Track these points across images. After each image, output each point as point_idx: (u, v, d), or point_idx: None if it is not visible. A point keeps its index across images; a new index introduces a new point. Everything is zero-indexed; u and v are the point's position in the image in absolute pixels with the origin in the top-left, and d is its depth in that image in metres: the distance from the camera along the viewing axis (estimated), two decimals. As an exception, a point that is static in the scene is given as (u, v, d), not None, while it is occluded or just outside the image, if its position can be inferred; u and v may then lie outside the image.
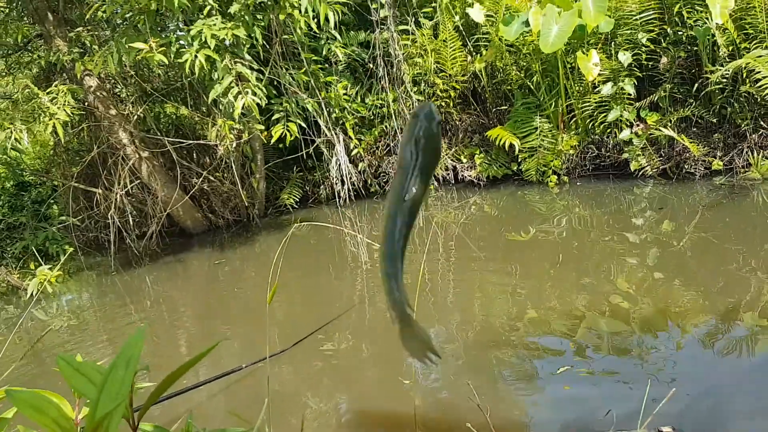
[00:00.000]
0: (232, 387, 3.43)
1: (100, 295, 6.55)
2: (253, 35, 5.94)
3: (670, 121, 6.15)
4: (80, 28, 6.47)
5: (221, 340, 4.08)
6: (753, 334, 3.03)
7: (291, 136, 6.62)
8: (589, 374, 2.89)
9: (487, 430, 2.29)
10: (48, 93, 6.14)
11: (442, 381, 3.22)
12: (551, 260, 4.85)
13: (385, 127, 7.85)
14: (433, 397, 3.10)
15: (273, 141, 6.78)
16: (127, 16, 5.92)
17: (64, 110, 6.09)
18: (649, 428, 2.31)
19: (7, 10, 7.07)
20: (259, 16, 6.07)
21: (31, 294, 6.15)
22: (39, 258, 6.65)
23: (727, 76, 5.80)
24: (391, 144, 7.92)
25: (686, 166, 6.17)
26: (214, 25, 5.67)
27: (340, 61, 7.70)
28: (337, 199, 7.93)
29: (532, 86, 6.89)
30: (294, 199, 8.13)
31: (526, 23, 6.19)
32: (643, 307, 3.61)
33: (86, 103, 6.72)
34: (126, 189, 7.04)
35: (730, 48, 5.85)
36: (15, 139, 6.33)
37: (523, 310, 3.84)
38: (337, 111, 7.57)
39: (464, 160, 7.62)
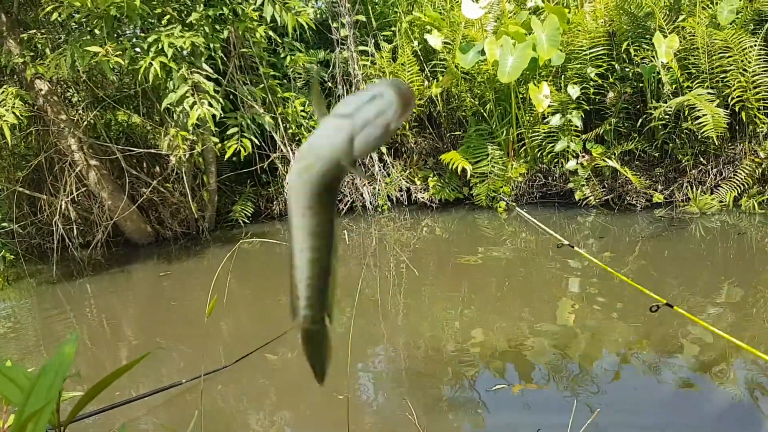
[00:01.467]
0: (172, 401, 3.37)
1: (38, 304, 6.33)
2: (211, 45, 5.93)
3: (615, 153, 6.39)
4: (33, 31, 6.33)
5: (153, 349, 4.01)
6: (681, 366, 3.17)
7: (245, 151, 6.60)
8: (524, 395, 2.98)
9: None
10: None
11: (382, 399, 3.24)
12: (497, 284, 4.96)
13: (342, 145, 7.89)
14: (372, 415, 3.11)
15: (227, 156, 6.74)
16: (83, 20, 5.82)
17: (12, 112, 5.92)
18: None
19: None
20: (218, 27, 6.07)
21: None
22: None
23: (669, 112, 6.08)
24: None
25: (628, 198, 6.42)
26: (172, 34, 5.64)
27: (300, 76, 7.75)
28: (290, 216, 7.89)
29: (485, 114, 7.08)
30: (246, 214, 8.06)
31: (482, 52, 6.38)
32: (580, 333, 3.73)
33: (35, 107, 6.55)
34: (72, 196, 6.86)
35: (674, 86, 6.14)
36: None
37: (468, 331, 3.91)
38: (293, 127, 7.58)
39: (418, 183, 7.73)
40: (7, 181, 7.36)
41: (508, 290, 4.78)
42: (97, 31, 5.67)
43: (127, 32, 6.74)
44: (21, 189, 6.99)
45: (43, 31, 6.43)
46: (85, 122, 6.87)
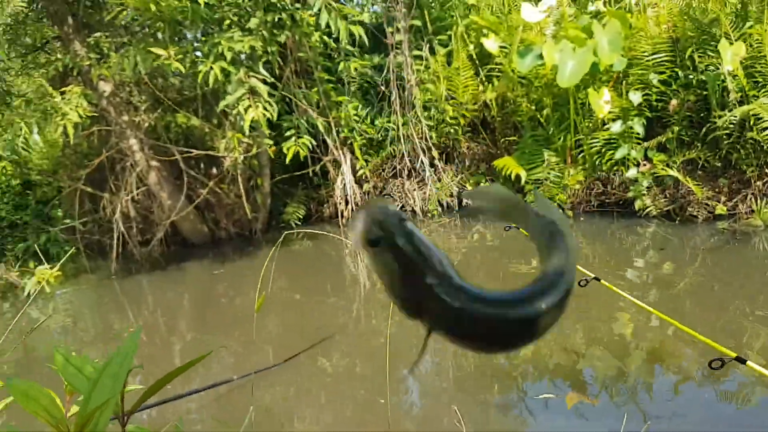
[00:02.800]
0: (222, 398, 3.41)
1: (97, 298, 6.55)
2: (269, 49, 6.02)
3: (677, 162, 6.16)
4: (99, 33, 6.55)
5: (211, 351, 4.06)
6: (742, 383, 3.00)
7: (303, 152, 6.65)
8: (575, 406, 2.88)
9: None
10: (61, 94, 6.21)
11: (428, 406, 3.19)
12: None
13: (393, 149, 7.90)
14: (418, 420, 3.07)
15: (288, 159, 6.81)
16: (147, 23, 6.00)
17: (76, 111, 6.14)
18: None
19: (27, 11, 7.17)
20: (276, 32, 6.16)
21: (28, 293, 6.16)
22: (40, 258, 6.65)
23: (734, 121, 5.83)
24: (398, 166, 7.95)
25: (690, 209, 6.16)
26: (232, 38, 5.74)
27: (354, 81, 7.78)
28: (340, 219, 7.94)
29: (541, 119, 6.93)
30: (298, 216, 8.14)
31: (540, 57, 6.25)
32: (637, 346, 3.59)
33: (99, 108, 6.78)
34: (132, 195, 7.07)
35: (739, 94, 5.88)
36: (24, 137, 6.40)
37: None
38: (346, 131, 7.62)
39: (470, 188, 7.64)
40: (69, 179, 7.64)
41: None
42: (159, 35, 5.84)
43: (188, 35, 6.91)
44: (83, 187, 7.24)
45: (107, 33, 6.65)
46: (146, 124, 7.07)
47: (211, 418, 3.26)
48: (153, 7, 5.52)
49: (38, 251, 6.93)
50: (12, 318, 5.84)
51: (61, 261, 5.18)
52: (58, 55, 6.65)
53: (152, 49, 5.60)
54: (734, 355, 2.05)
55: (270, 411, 3.27)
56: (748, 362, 2.02)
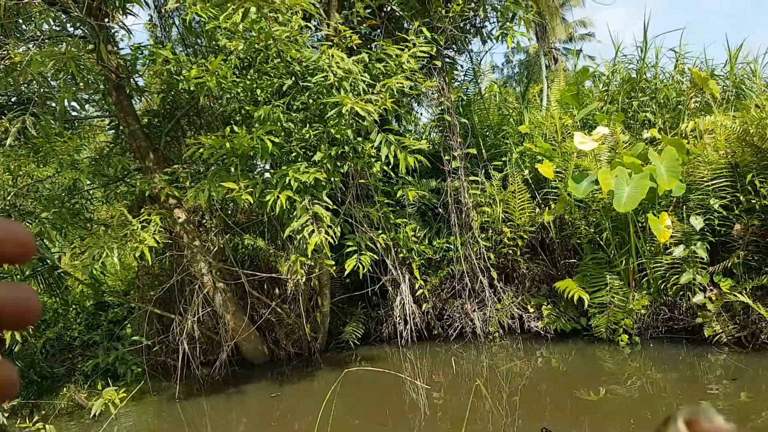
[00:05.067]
0: None
1: (160, 421, 6.61)
2: (332, 179, 6.36)
3: (746, 288, 5.97)
4: (177, 166, 7.08)
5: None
6: None
7: (363, 268, 6.78)
8: None
9: None
10: (139, 220, 6.65)
11: None
12: (623, 425, 4.62)
13: (451, 270, 7.96)
14: None
15: (346, 273, 6.95)
16: (221, 159, 6.47)
17: (153, 237, 6.53)
18: None
19: (111, 147, 7.85)
20: (339, 163, 6.52)
21: (94, 414, 6.29)
22: (107, 377, 6.84)
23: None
24: (457, 287, 7.97)
25: (762, 336, 5.89)
26: (299, 170, 6.11)
27: (412, 204, 8.03)
28: (399, 339, 7.91)
29: (601, 242, 6.92)
30: (356, 335, 8.16)
31: (596, 182, 6.36)
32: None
33: (173, 233, 7.18)
34: (198, 316, 7.30)
35: (807, 218, 5.77)
36: (103, 261, 6.79)
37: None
38: (404, 251, 7.76)
39: (531, 310, 7.55)
40: (140, 300, 7.98)
41: (636, 436, 4.43)
42: (232, 169, 6.27)
43: (258, 166, 7.38)
44: (153, 308, 7.54)
45: (185, 165, 7.18)
46: (216, 247, 7.41)
47: None
48: (228, 145, 5.98)
49: (107, 370, 7.14)
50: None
51: (131, 386, 5.31)
52: (137, 183, 7.19)
53: (224, 183, 6.00)
54: None
55: None
56: None
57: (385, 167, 6.86)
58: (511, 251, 7.68)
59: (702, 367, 5.81)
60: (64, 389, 6.82)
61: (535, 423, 4.92)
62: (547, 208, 7.44)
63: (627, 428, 4.57)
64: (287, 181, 6.06)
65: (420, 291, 7.91)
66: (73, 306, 8.58)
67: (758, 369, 5.50)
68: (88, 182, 7.99)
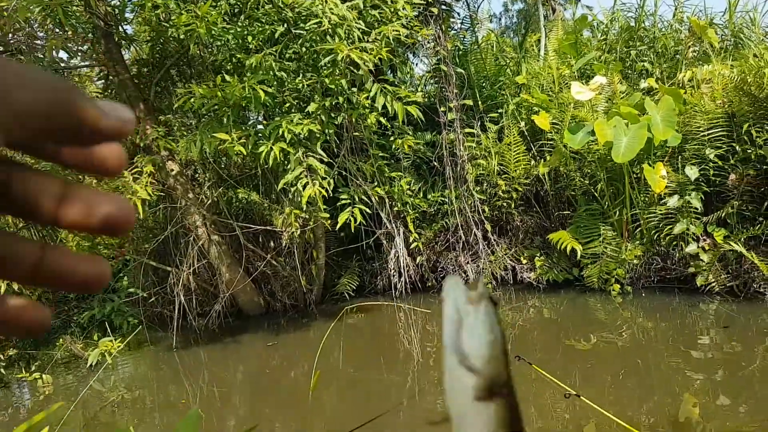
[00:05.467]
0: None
1: (157, 370, 6.70)
2: (326, 131, 6.29)
3: (739, 238, 6.00)
4: (169, 115, 6.99)
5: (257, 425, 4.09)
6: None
7: (355, 222, 6.78)
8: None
9: None
10: (131, 170, 6.59)
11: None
12: (612, 372, 4.69)
13: (446, 223, 7.97)
14: None
15: (339, 226, 6.95)
16: (213, 109, 6.38)
17: (146, 189, 6.49)
18: None
19: (101, 97, 7.72)
20: (333, 115, 6.44)
21: (91, 364, 6.37)
22: (104, 329, 6.90)
23: (799, 195, 5.68)
24: (451, 240, 8.00)
25: (755, 285, 5.95)
26: (292, 121, 6.04)
27: (407, 155, 7.98)
28: (393, 291, 7.98)
29: (596, 193, 6.91)
30: (351, 287, 8.23)
31: (592, 133, 6.31)
32: (707, 428, 3.43)
33: (166, 185, 7.14)
34: (193, 268, 7.32)
35: (802, 168, 5.76)
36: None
37: (581, 423, 3.71)
38: (399, 205, 7.75)
39: (524, 262, 7.59)
40: (135, 253, 7.99)
41: (624, 380, 4.50)
42: (224, 120, 6.18)
43: (251, 119, 7.28)
44: (148, 261, 7.56)
45: (177, 115, 7.08)
46: (210, 200, 7.38)
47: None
48: (219, 94, 5.88)
49: (103, 322, 7.19)
50: (75, 388, 6.04)
51: (125, 333, 5.36)
52: (129, 135, 7.07)
53: (216, 134, 5.93)
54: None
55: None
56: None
57: (381, 119, 6.80)
58: (505, 204, 7.67)
59: (693, 316, 5.88)
60: (60, 340, 6.88)
61: (525, 371, 4.99)
62: (542, 160, 7.40)
63: (617, 375, 4.64)
64: (280, 132, 6.00)
65: (414, 244, 7.93)
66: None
67: (749, 318, 5.57)
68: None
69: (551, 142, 7.27)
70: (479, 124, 7.85)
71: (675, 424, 3.54)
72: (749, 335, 5.20)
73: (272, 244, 7.93)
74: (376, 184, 7.43)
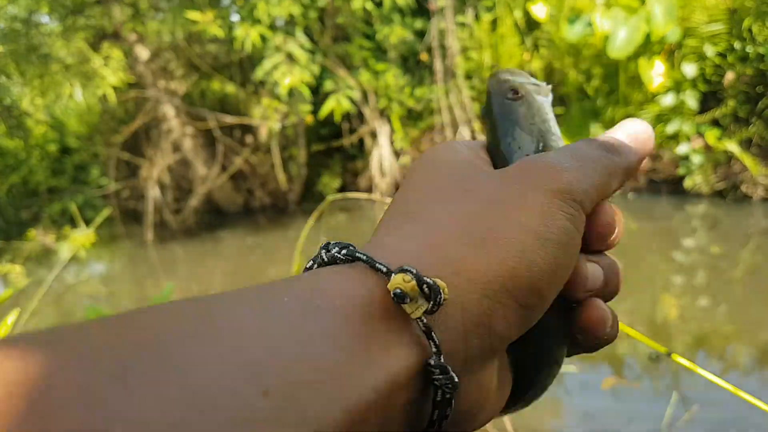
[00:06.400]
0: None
1: (132, 265, 6.56)
2: (308, 15, 5.86)
3: (731, 139, 5.86)
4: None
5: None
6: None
7: (342, 109, 6.46)
8: (613, 389, 2.74)
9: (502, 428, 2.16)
10: (101, 56, 6.15)
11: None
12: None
13: (432, 121, 7.70)
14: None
15: (324, 114, 6.64)
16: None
17: (116, 75, 6.07)
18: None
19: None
20: (316, -3, 5.99)
21: (64, 258, 6.19)
22: (75, 222, 6.67)
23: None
24: (437, 139, 7.76)
25: (743, 188, 5.89)
26: (269, 1, 5.59)
27: (394, 48, 7.56)
28: (375, 191, 7.82)
29: (590, 91, 6.66)
30: (333, 187, 8.03)
31: (590, 25, 5.96)
32: (683, 330, 3.41)
33: (136, 73, 6.71)
34: (167, 162, 7.03)
35: (801, 68, 5.54)
36: (63, 101, 6.34)
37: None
38: (384, 100, 7.43)
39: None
40: (106, 145, 7.63)
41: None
42: (197, -1, 5.71)
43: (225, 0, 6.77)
44: (119, 153, 7.22)
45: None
46: (182, 91, 6.99)
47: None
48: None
49: (74, 215, 6.94)
50: (48, 281, 5.89)
51: (96, 222, 5.14)
52: (96, 17, 6.56)
53: (189, 15, 5.48)
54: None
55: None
56: None
57: (366, 4, 6.35)
58: (494, 101, 7.38)
59: (679, 218, 5.83)
60: (31, 232, 6.65)
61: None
62: (537, 54, 7.07)
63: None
64: (257, 15, 5.57)
65: (399, 144, 7.68)
66: (37, 150, 8.21)
67: (735, 220, 5.53)
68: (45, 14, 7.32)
69: (546, 35, 6.91)
70: (472, 13, 7.41)
71: (651, 324, 3.50)
72: (734, 238, 5.16)
73: (250, 140, 7.62)
74: (360, 77, 7.07)
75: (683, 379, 2.82)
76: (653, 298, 3.96)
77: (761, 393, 2.63)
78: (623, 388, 2.76)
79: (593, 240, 0.37)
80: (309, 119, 6.96)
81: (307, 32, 6.22)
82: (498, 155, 0.42)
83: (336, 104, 6.44)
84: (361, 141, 7.87)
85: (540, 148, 0.41)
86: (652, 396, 2.72)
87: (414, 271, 0.27)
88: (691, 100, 5.98)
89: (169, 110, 6.84)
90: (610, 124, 6.51)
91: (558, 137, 0.42)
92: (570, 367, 2.96)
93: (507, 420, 2.21)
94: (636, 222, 5.89)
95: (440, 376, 0.26)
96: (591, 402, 2.71)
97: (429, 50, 7.42)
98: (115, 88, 6.12)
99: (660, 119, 6.19)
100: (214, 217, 7.72)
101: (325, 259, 0.32)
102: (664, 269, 4.61)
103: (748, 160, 5.67)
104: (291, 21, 5.83)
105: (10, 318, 1.13)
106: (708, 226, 5.56)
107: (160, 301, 0.81)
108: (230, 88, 7.15)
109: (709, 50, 5.96)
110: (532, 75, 0.46)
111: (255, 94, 6.98)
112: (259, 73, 5.97)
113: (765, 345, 3.08)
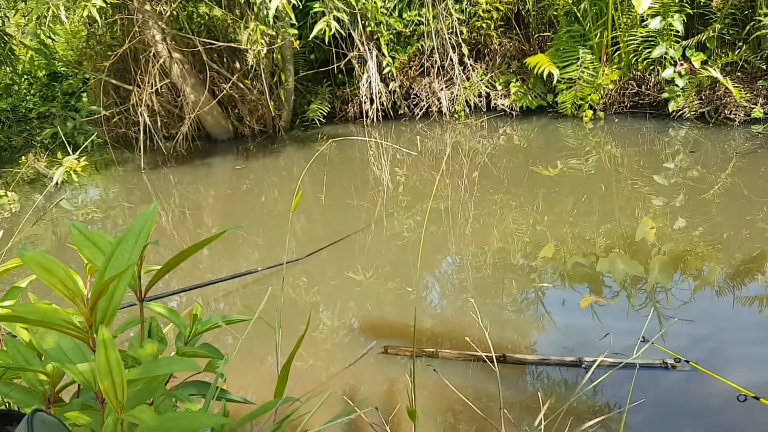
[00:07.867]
0: (247, 288, 3.53)
1: (125, 191, 6.67)
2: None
3: (716, 63, 5.87)
4: None
5: (231, 228, 4.15)
6: (762, 290, 2.99)
7: (330, 30, 6.38)
8: (593, 307, 2.93)
9: (484, 345, 2.33)
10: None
11: (448, 299, 3.27)
12: (575, 198, 4.77)
13: (421, 45, 7.63)
14: (437, 311, 3.16)
15: (312, 36, 6.55)
16: None
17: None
18: (652, 359, 2.37)
19: None
20: None
21: (57, 182, 6.28)
22: (67, 148, 6.73)
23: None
24: (426, 64, 7.72)
25: (726, 111, 5.94)
26: None
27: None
28: (365, 119, 7.84)
29: (578, 14, 6.58)
30: (321, 114, 8.05)
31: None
32: (661, 250, 3.57)
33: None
34: (156, 88, 7.01)
35: (790, -9, 5.48)
36: (49, 25, 6.23)
37: (540, 244, 3.82)
38: (372, 25, 7.33)
39: (499, 88, 7.42)
40: (94, 70, 7.58)
41: (586, 205, 4.60)
42: None
43: None
44: (107, 78, 7.19)
45: None
46: (168, 13, 6.88)
47: (238, 303, 3.39)
48: None
49: (65, 141, 6.99)
50: (42, 207, 6.02)
51: (89, 149, 5.22)
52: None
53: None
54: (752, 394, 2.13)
55: (293, 301, 3.37)
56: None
57: None
58: (484, 24, 7.31)
59: (661, 142, 5.91)
60: (24, 158, 6.72)
61: (491, 196, 5.06)
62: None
63: (579, 200, 4.72)
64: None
65: (387, 69, 7.64)
66: (25, 76, 8.14)
67: (716, 143, 5.61)
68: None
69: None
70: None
71: (630, 245, 3.66)
72: (714, 161, 5.26)
73: (238, 65, 7.57)
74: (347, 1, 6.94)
75: (659, 296, 3.01)
76: (633, 221, 4.12)
77: (738, 310, 2.83)
78: (601, 306, 2.95)
79: None
80: (296, 43, 6.90)
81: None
82: None
83: (325, 26, 6.36)
84: (350, 69, 7.81)
85: None
86: (629, 313, 2.90)
87: None
88: (677, 23, 5.94)
89: (156, 34, 6.77)
90: (598, 48, 6.48)
91: None
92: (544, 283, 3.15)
93: (488, 337, 2.39)
94: (619, 146, 5.99)
95: None
96: (570, 319, 2.90)
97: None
98: (102, 9, 6.01)
99: (647, 43, 6.16)
100: (205, 144, 7.78)
101: None
102: (645, 192, 4.74)
103: (731, 84, 5.71)
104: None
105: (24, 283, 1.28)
106: (690, 149, 5.65)
107: (146, 219, 0.92)
108: (217, 11, 7.03)
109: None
110: None
111: (242, 19, 6.88)
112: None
113: (739, 264, 3.26)
